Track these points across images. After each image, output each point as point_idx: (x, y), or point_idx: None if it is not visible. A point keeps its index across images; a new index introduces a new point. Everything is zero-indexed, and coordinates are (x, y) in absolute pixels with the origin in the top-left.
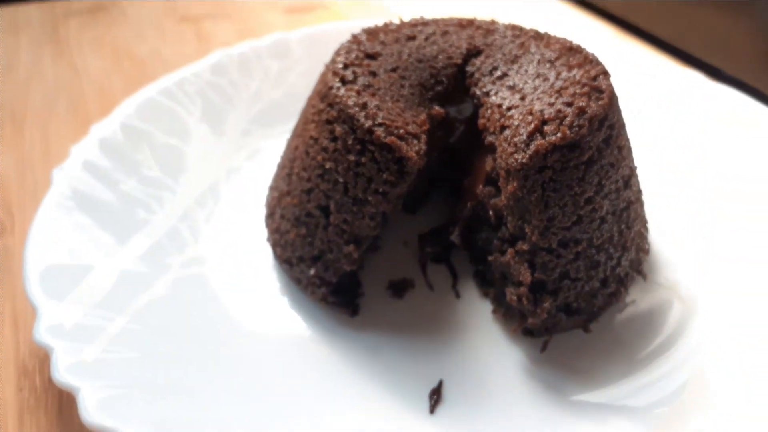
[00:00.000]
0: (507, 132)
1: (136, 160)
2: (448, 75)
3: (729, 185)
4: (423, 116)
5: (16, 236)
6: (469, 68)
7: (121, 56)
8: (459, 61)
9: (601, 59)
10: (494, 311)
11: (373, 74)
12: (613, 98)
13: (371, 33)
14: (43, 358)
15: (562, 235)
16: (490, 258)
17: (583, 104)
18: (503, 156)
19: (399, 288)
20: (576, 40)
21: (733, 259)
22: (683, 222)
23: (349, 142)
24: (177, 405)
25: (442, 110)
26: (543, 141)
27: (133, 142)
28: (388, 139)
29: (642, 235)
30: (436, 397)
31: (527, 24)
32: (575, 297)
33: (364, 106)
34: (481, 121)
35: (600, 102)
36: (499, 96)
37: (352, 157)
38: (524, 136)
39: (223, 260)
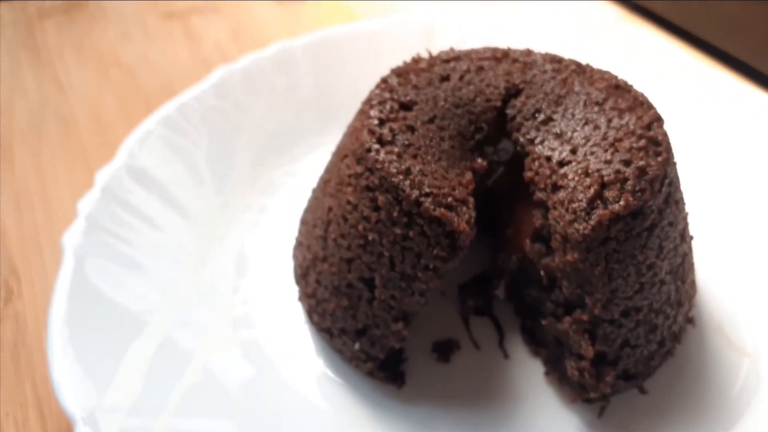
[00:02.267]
0: (562, 194)
1: (147, 215)
2: (487, 120)
3: None
4: (468, 176)
5: (25, 300)
6: (510, 111)
7: (106, 64)
8: (498, 104)
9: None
10: (547, 374)
11: (411, 129)
12: (670, 151)
13: (401, 75)
14: None
15: (624, 305)
16: (543, 322)
17: (643, 163)
18: (560, 222)
19: (444, 350)
20: (612, 44)
21: None
22: (726, 255)
23: (395, 214)
24: None
25: (485, 163)
26: (606, 211)
27: (142, 190)
28: (438, 212)
29: (693, 284)
30: None
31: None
32: (634, 363)
33: (407, 172)
34: (528, 174)
35: (659, 158)
36: (547, 146)
37: (398, 231)
38: (584, 203)
39: (257, 326)
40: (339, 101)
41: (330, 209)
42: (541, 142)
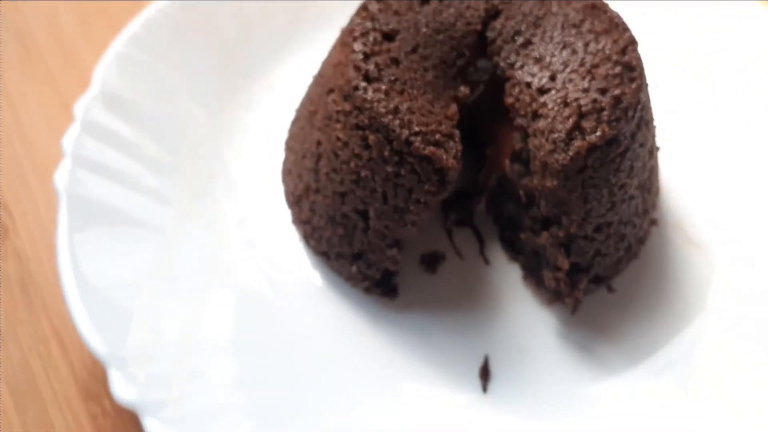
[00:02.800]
0: (542, 123)
1: (131, 143)
2: (468, 45)
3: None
4: (453, 108)
5: (23, 236)
6: (490, 33)
7: None
8: (479, 27)
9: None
10: (525, 278)
11: (396, 62)
12: (643, 76)
13: (381, 1)
14: (103, 378)
15: (597, 222)
16: (522, 235)
17: (618, 92)
18: (540, 151)
19: (431, 262)
20: None
21: (741, 192)
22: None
23: (386, 153)
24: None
25: (468, 91)
26: (584, 141)
27: (122, 119)
28: (428, 151)
29: (657, 190)
30: (485, 375)
31: None
32: (604, 268)
33: (396, 111)
34: (509, 100)
35: (633, 86)
36: (527, 71)
37: (390, 168)
38: (563, 134)
39: (256, 247)
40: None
41: (319, 143)
42: (521, 67)
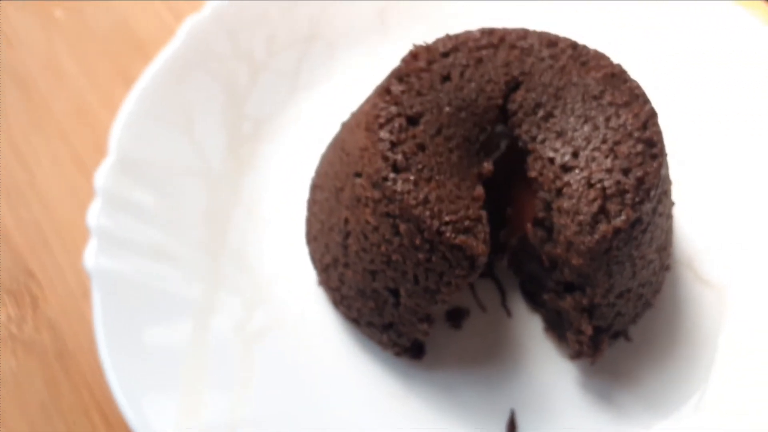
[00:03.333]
0: (566, 203)
1: (155, 212)
2: (490, 120)
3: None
4: (479, 190)
5: (53, 305)
6: (510, 105)
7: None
8: (500, 102)
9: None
10: (546, 330)
11: (422, 147)
12: (663, 150)
13: (403, 80)
14: None
15: (619, 291)
16: (545, 296)
17: (641, 174)
18: (566, 230)
19: (456, 318)
20: None
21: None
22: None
23: (417, 241)
24: None
25: (491, 167)
26: (609, 226)
27: (144, 187)
28: (458, 240)
29: (671, 240)
30: (512, 429)
31: None
32: (623, 325)
33: (426, 201)
34: (532, 173)
35: (655, 164)
36: (548, 146)
37: (421, 255)
38: (588, 217)
39: (283, 309)
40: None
41: (347, 221)
42: (543, 141)
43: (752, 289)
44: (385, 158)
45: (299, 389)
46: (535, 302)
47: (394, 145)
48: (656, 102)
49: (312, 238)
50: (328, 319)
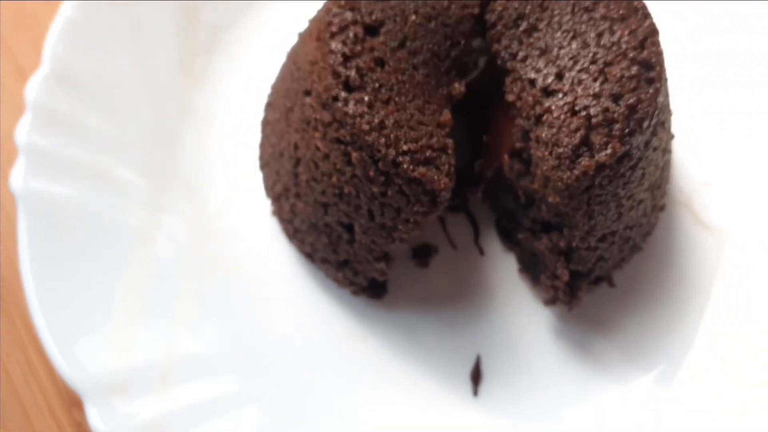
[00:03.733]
0: (545, 132)
1: (92, 129)
2: (464, 32)
3: None
4: (446, 114)
5: None
6: (489, 16)
7: None
8: (476, 10)
9: None
10: (521, 271)
11: (381, 63)
12: (662, 74)
13: None
14: None
15: (601, 233)
16: (519, 235)
17: (633, 100)
18: (543, 164)
19: (423, 255)
20: None
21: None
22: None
23: (371, 172)
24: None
25: (463, 88)
26: (591, 160)
27: (80, 101)
28: (417, 172)
29: (668, 176)
30: (477, 377)
31: None
32: (605, 270)
33: (381, 126)
34: (510, 97)
35: (651, 90)
36: (530, 65)
37: (375, 189)
38: (569, 149)
39: (236, 241)
40: None
41: (297, 146)
42: (524, 59)
43: (754, 235)
44: (336, 74)
45: (246, 327)
46: (510, 241)
47: (347, 58)
48: (659, 20)
49: (264, 164)
50: (282, 253)
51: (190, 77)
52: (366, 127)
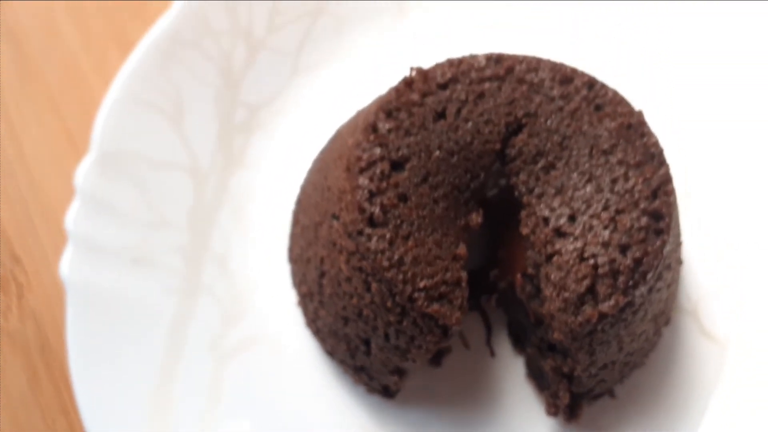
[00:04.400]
0: (554, 273)
1: (130, 210)
2: (484, 165)
3: None
4: (462, 248)
5: (38, 297)
6: (509, 150)
7: None
8: (498, 147)
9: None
10: (528, 376)
11: (404, 199)
12: (673, 220)
13: (392, 115)
14: None
15: (603, 364)
16: (528, 349)
17: (639, 254)
18: (549, 303)
19: (437, 355)
20: None
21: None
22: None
23: (388, 303)
24: None
25: (479, 218)
26: (594, 311)
27: (124, 187)
28: (431, 309)
29: (673, 298)
30: None
31: None
32: (606, 387)
33: (400, 263)
34: (525, 230)
35: (658, 242)
36: (545, 203)
37: (391, 318)
38: (574, 296)
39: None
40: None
41: (323, 260)
42: (540, 196)
43: (757, 347)
44: (362, 210)
45: (268, 416)
46: (520, 345)
47: (373, 194)
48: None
49: (293, 259)
50: (305, 343)
51: (229, 157)
52: (386, 263)
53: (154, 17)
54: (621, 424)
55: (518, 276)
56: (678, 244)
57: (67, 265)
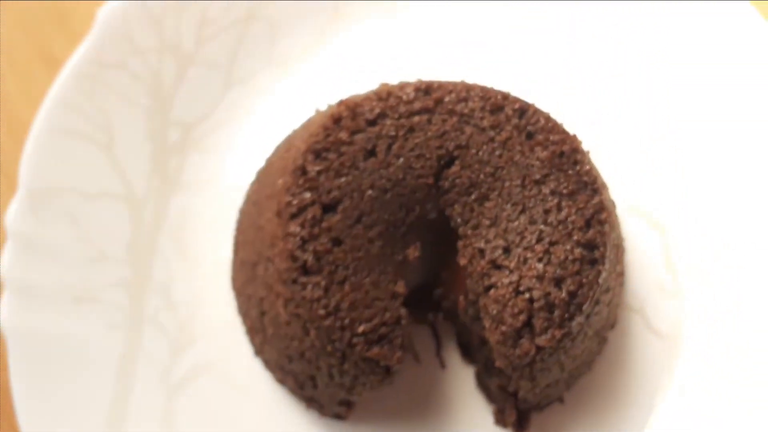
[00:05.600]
0: (492, 306)
1: (65, 247)
2: (418, 199)
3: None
4: (400, 285)
5: None
6: (443, 183)
7: None
8: (430, 180)
9: None
10: (478, 386)
11: (338, 242)
12: (606, 252)
13: (320, 156)
14: None
15: (546, 384)
16: (474, 367)
17: (573, 287)
18: (488, 334)
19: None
20: None
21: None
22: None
23: (328, 348)
24: None
25: (417, 252)
26: (531, 345)
27: (54, 218)
28: (371, 353)
29: (618, 304)
30: None
31: None
32: (554, 398)
33: (337, 310)
34: (462, 261)
35: (593, 272)
36: (481, 235)
37: (332, 361)
38: (511, 330)
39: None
40: None
41: (262, 300)
42: (476, 227)
43: (703, 343)
44: (294, 258)
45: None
46: (469, 356)
47: (305, 241)
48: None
49: (236, 290)
50: (255, 370)
51: (165, 180)
52: (322, 312)
53: (79, 29)
54: (571, 428)
55: (461, 299)
56: (617, 261)
57: (4, 313)
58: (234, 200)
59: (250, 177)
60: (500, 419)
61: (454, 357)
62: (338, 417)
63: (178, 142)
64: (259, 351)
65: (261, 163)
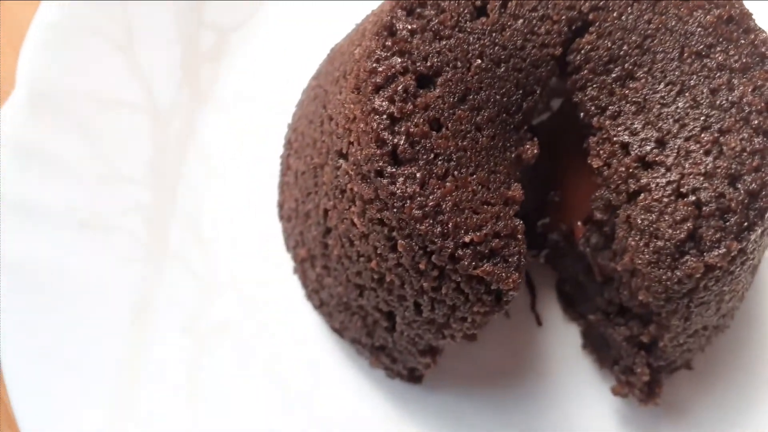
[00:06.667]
0: (641, 216)
1: (72, 162)
2: (541, 77)
3: None
4: (516, 189)
5: None
6: (573, 57)
7: None
8: (557, 51)
9: None
10: (584, 347)
11: (437, 125)
12: None
13: (413, 12)
14: None
15: (694, 330)
16: (590, 317)
17: (756, 185)
18: (635, 255)
19: None
20: None
21: None
22: None
23: (421, 265)
24: None
25: (536, 148)
26: (699, 262)
27: (59, 130)
28: (480, 270)
29: None
30: None
31: None
32: (688, 359)
33: (437, 212)
34: (596, 162)
35: None
36: (623, 124)
37: (425, 283)
38: (671, 245)
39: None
40: None
41: (327, 213)
42: (615, 116)
43: None
44: (381, 142)
45: (262, 413)
46: (573, 310)
47: (395, 121)
48: None
49: (285, 217)
50: (304, 320)
51: (194, 93)
52: (418, 213)
53: None
54: (695, 400)
55: (578, 224)
56: None
57: None
58: (280, 116)
59: (297, 93)
60: (624, 383)
61: (553, 313)
62: (411, 378)
63: (211, 50)
64: (315, 290)
65: (312, 72)
